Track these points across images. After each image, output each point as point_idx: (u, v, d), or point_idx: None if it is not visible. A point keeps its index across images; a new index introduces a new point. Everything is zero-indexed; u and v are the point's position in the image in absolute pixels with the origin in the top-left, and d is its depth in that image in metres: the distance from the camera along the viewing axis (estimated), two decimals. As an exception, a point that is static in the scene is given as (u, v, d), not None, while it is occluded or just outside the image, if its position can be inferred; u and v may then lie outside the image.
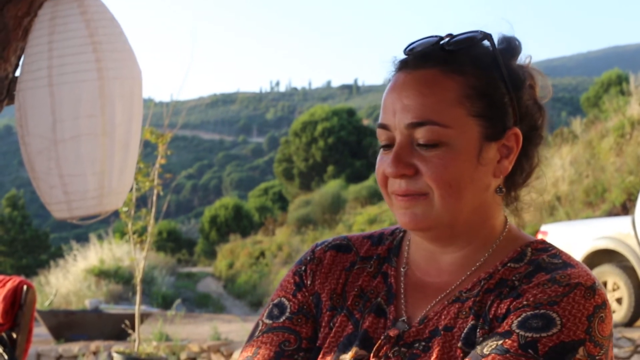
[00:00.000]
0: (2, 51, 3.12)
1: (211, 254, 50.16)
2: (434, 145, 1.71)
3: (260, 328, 1.91)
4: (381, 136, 1.79)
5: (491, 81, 1.75)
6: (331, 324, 1.86)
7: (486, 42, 1.79)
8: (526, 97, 1.80)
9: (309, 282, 1.93)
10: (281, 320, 1.90)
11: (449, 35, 1.78)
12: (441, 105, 1.72)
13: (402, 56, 1.82)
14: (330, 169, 54.55)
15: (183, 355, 13.31)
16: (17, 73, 3.12)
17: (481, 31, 1.78)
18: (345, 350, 1.80)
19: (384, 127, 1.78)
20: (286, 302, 1.92)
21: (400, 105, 1.74)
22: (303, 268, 1.96)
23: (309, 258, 1.97)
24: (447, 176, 1.71)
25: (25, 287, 4.70)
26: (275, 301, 1.94)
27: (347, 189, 44.46)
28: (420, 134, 1.71)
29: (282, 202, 59.34)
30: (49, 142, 2.77)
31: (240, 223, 54.77)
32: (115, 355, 9.31)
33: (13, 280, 4.76)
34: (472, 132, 1.73)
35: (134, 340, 9.86)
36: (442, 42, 1.77)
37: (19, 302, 4.68)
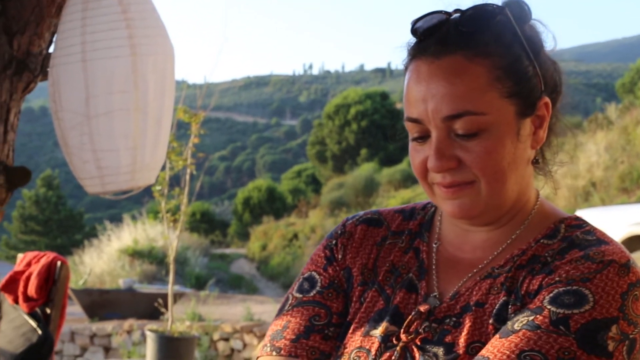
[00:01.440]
0: (36, 28, 3.15)
1: (244, 236, 50.24)
2: (474, 134, 1.68)
3: (290, 302, 1.90)
4: (412, 129, 1.75)
5: (515, 57, 1.71)
6: (362, 299, 1.85)
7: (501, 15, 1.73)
8: (544, 59, 1.76)
9: (339, 256, 1.92)
10: (311, 294, 1.89)
11: (458, 10, 1.74)
12: (474, 93, 1.67)
13: (415, 42, 1.77)
14: (363, 152, 54.48)
15: (216, 336, 13.35)
16: (51, 49, 3.15)
17: (494, 4, 1.74)
18: (375, 325, 1.78)
19: (414, 120, 1.74)
20: (317, 276, 1.91)
21: (431, 97, 1.69)
22: (334, 242, 1.94)
23: (339, 232, 1.95)
24: (492, 162, 1.68)
25: (59, 262, 4.74)
26: (306, 275, 1.93)
27: (381, 172, 44.39)
28: (458, 125, 1.68)
29: (315, 184, 59.30)
30: (82, 117, 2.79)
31: (274, 205, 54.83)
32: (148, 333, 9.36)
33: (47, 256, 4.80)
34: (508, 113, 1.70)
35: (167, 320, 9.91)
36: (452, 17, 1.72)
37: (52, 277, 4.71)
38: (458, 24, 1.72)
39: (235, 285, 31.03)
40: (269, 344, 1.86)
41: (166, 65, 2.95)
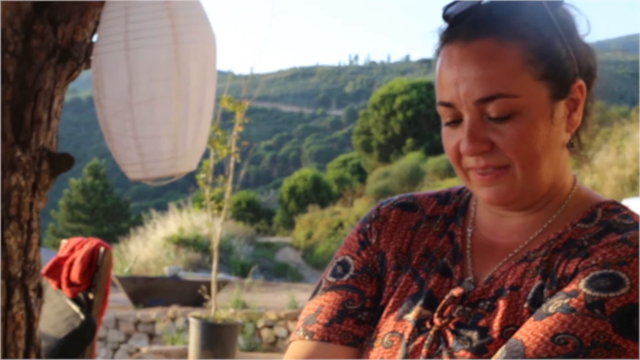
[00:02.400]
0: (80, 17, 3.19)
1: (290, 225, 50.36)
2: (507, 117, 1.67)
3: (323, 286, 1.89)
4: (445, 113, 1.74)
5: (548, 39, 1.70)
6: (395, 283, 1.84)
7: None
8: (578, 42, 1.74)
9: (373, 241, 1.91)
10: (345, 278, 1.88)
11: None
12: (506, 75, 1.66)
13: (446, 27, 1.76)
14: (409, 141, 54.36)
15: (260, 323, 13.41)
16: (94, 38, 3.18)
17: None
18: (409, 309, 1.77)
19: (447, 104, 1.72)
20: (350, 261, 1.90)
21: (463, 80, 1.68)
22: (368, 226, 1.93)
23: (374, 216, 1.94)
24: (526, 146, 1.67)
25: (102, 248, 4.78)
26: (340, 259, 1.92)
27: (426, 162, 44.32)
28: (491, 108, 1.67)
29: (360, 174, 59.27)
30: (125, 104, 2.82)
31: (319, 194, 54.89)
32: (191, 320, 9.42)
33: (90, 242, 4.84)
34: (542, 96, 1.68)
35: (211, 307, 9.97)
36: (483, 2, 1.71)
37: (95, 263, 4.76)
38: (489, 8, 1.71)
39: (280, 273, 31.12)
40: (301, 328, 1.85)
41: (208, 54, 2.97)
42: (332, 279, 1.90)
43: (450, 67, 1.71)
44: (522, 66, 1.67)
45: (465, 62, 1.69)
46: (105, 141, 2.99)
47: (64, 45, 3.15)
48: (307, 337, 1.84)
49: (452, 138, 1.75)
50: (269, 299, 17.08)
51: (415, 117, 54.90)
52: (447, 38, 1.74)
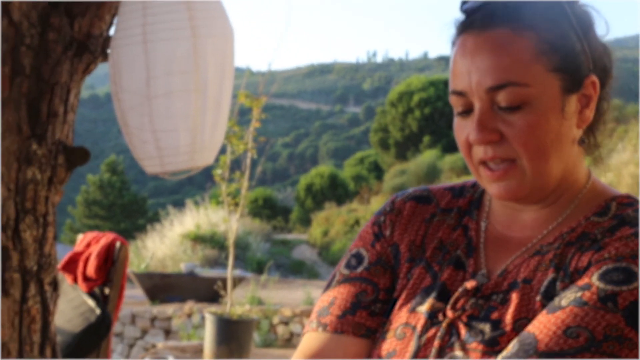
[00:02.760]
0: (97, 10, 3.18)
1: (306, 222, 50.37)
2: (517, 107, 1.66)
3: (337, 278, 1.90)
4: (456, 103, 1.74)
5: (563, 32, 1.69)
6: (409, 276, 1.84)
7: None
8: (594, 40, 1.74)
9: (387, 233, 1.91)
10: (359, 270, 1.88)
11: None
12: (518, 64, 1.66)
13: (463, 18, 1.76)
14: (426, 139, 54.33)
15: (275, 319, 13.42)
16: (111, 31, 3.18)
17: None
18: (422, 301, 1.77)
19: (459, 93, 1.72)
20: (364, 253, 1.90)
21: (475, 69, 1.68)
22: (382, 218, 1.93)
23: (388, 209, 1.94)
24: (535, 137, 1.66)
25: (118, 243, 4.78)
26: (354, 251, 1.92)
27: (443, 159, 44.27)
28: (502, 97, 1.66)
29: (377, 171, 59.27)
30: (142, 98, 2.81)
31: (336, 191, 54.90)
32: (207, 315, 9.43)
33: (107, 237, 4.84)
34: (553, 88, 1.67)
35: (226, 303, 9.98)
36: None
37: (111, 258, 4.76)
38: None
39: (297, 270, 31.14)
40: (315, 320, 1.86)
41: (226, 47, 2.96)
42: (345, 271, 1.90)
43: (463, 56, 1.71)
44: (535, 56, 1.67)
45: (479, 51, 1.69)
46: (123, 136, 2.98)
47: (80, 38, 3.14)
48: (320, 329, 1.84)
49: (463, 130, 1.74)
50: (285, 296, 17.09)
51: (433, 114, 54.89)
52: (463, 28, 1.74)
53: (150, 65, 2.83)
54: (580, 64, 1.71)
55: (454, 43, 1.76)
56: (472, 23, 1.72)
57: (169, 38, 2.84)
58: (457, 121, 1.76)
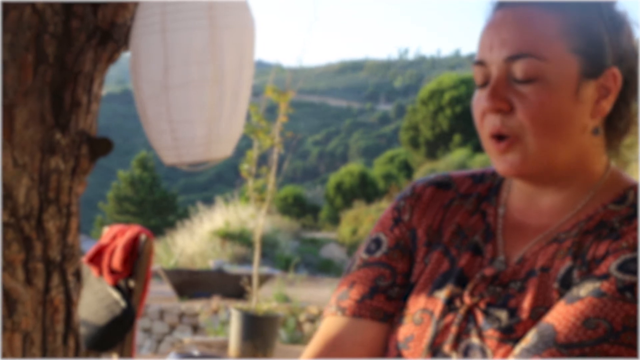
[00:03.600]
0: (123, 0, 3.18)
1: (335, 220, 50.34)
2: (531, 80, 1.67)
3: (357, 263, 1.92)
4: (477, 74, 1.76)
5: (591, 18, 1.70)
6: (426, 260, 1.85)
7: None
8: (625, 41, 1.74)
9: (406, 217, 1.92)
10: (377, 255, 1.90)
11: None
12: (540, 38, 1.68)
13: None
14: (456, 137, 54.23)
15: (302, 317, 13.43)
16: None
17: None
18: (440, 287, 1.79)
19: (480, 63, 1.74)
20: (383, 237, 1.92)
21: (498, 40, 1.71)
22: (402, 203, 1.95)
23: (408, 194, 1.96)
24: (543, 112, 1.67)
25: (143, 236, 4.78)
26: (373, 236, 1.94)
27: (474, 158, 44.18)
28: (518, 68, 1.68)
29: (407, 170, 59.21)
30: (160, 87, 2.81)
31: (365, 190, 54.85)
32: (233, 311, 9.44)
33: (132, 230, 4.84)
34: (571, 68, 1.68)
35: (253, 299, 9.98)
36: None
37: (137, 251, 4.77)
38: None
39: (325, 269, 31.13)
40: (334, 304, 1.89)
41: (245, 39, 2.95)
42: (365, 256, 1.92)
43: (489, 28, 1.74)
44: (558, 35, 1.68)
45: (505, 23, 1.72)
46: (142, 125, 2.98)
47: (104, 27, 3.15)
48: (339, 313, 1.87)
49: (479, 101, 1.76)
50: (312, 294, 17.10)
51: (464, 113, 54.74)
52: (495, 7, 1.77)
53: (168, 55, 2.83)
54: (603, 53, 1.71)
55: (486, 21, 1.79)
56: (504, 2, 1.75)
57: (186, 28, 2.84)
58: (476, 95, 1.77)
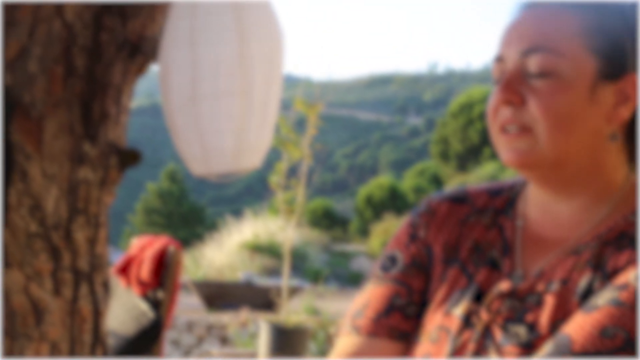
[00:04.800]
0: (150, 11, 3.20)
1: (365, 233, 50.31)
2: (546, 75, 1.65)
3: (372, 280, 1.89)
4: (495, 71, 1.75)
5: (614, 20, 1.69)
6: (443, 277, 1.82)
7: None
8: None
9: (422, 234, 1.89)
10: (393, 272, 1.86)
11: None
12: (558, 34, 1.67)
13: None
14: (487, 150, 54.09)
15: (332, 330, 13.41)
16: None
17: None
18: (456, 304, 1.75)
19: (498, 59, 1.74)
20: (399, 254, 1.89)
21: (517, 34, 1.71)
22: (417, 219, 1.92)
23: (424, 209, 1.93)
24: (555, 108, 1.65)
25: (171, 247, 4.79)
26: (389, 253, 1.91)
27: (504, 172, 44.01)
28: (533, 62, 1.66)
29: (437, 183, 59.12)
30: (188, 99, 2.82)
31: (395, 203, 54.82)
32: (262, 324, 9.45)
33: (161, 241, 4.85)
34: (588, 67, 1.66)
35: (282, 312, 9.99)
36: None
37: (165, 262, 4.77)
38: None
39: (355, 281, 31.10)
40: (349, 323, 1.86)
41: (274, 51, 2.97)
42: (380, 273, 1.89)
43: (510, 26, 1.74)
44: (578, 32, 1.67)
45: (525, 21, 1.72)
46: (171, 137, 2.99)
47: (133, 39, 3.17)
48: (354, 332, 1.84)
49: (493, 96, 1.74)
50: (342, 307, 17.05)
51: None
52: (520, 8, 1.76)
53: (197, 67, 2.85)
54: (624, 57, 1.68)
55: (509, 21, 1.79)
56: (529, 3, 1.75)
57: (215, 41, 2.86)
58: (493, 93, 1.76)
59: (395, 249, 1.91)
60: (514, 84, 1.68)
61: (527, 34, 1.69)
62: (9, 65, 3.05)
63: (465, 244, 1.84)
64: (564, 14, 1.68)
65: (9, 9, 3.04)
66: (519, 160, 1.70)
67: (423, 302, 1.83)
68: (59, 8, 3.09)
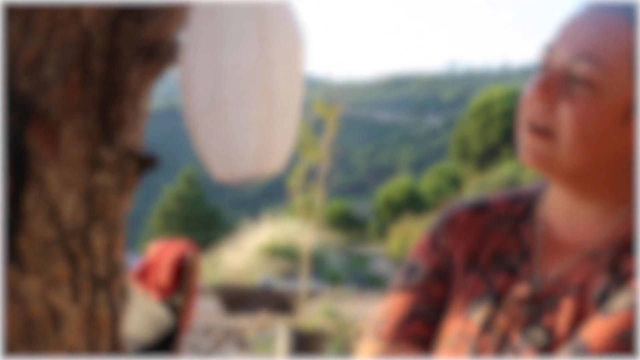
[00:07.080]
0: (168, 15, 3.18)
1: (384, 234, 50.34)
2: (587, 86, 1.63)
3: (394, 288, 1.92)
4: (543, 57, 1.74)
5: None
6: (463, 284, 1.85)
7: None
8: None
9: (443, 243, 1.92)
10: (414, 280, 1.90)
11: None
12: (612, 49, 1.64)
13: None
14: (506, 151, 54.05)
15: (351, 333, 13.41)
16: (181, 37, 3.18)
17: None
18: (475, 309, 1.78)
19: (549, 48, 1.72)
20: (420, 263, 1.92)
21: (573, 33, 1.69)
22: (439, 229, 1.94)
23: (445, 219, 1.95)
24: (586, 121, 1.64)
25: (190, 252, 4.79)
26: (411, 262, 1.94)
27: (524, 172, 43.99)
28: (580, 69, 1.64)
29: (456, 183, 59.12)
30: (210, 103, 2.81)
31: (414, 204, 54.83)
32: (280, 327, 9.45)
33: (178, 245, 4.85)
34: (628, 91, 1.64)
35: (301, 315, 9.98)
36: None
37: (183, 267, 4.77)
38: None
39: (374, 284, 31.12)
40: (372, 330, 1.89)
41: (295, 54, 2.94)
42: (403, 282, 1.92)
43: (573, 21, 1.71)
44: (628, 51, 1.64)
45: (587, 22, 1.69)
46: (192, 141, 2.97)
47: (150, 43, 3.15)
48: (376, 339, 1.87)
49: (531, 84, 1.73)
50: (361, 310, 17.05)
51: (514, 126, 54.59)
52: (588, 6, 1.73)
53: (218, 71, 2.83)
54: None
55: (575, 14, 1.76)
56: (598, 6, 1.71)
57: (236, 45, 2.84)
58: (534, 78, 1.74)
59: (417, 257, 1.94)
60: (552, 85, 1.67)
61: (582, 37, 1.66)
62: (25, 72, 3.03)
63: (485, 251, 1.86)
64: (625, 29, 1.65)
65: (25, 14, 3.02)
66: (534, 163, 1.71)
67: (444, 309, 1.86)
68: (76, 13, 3.07)
